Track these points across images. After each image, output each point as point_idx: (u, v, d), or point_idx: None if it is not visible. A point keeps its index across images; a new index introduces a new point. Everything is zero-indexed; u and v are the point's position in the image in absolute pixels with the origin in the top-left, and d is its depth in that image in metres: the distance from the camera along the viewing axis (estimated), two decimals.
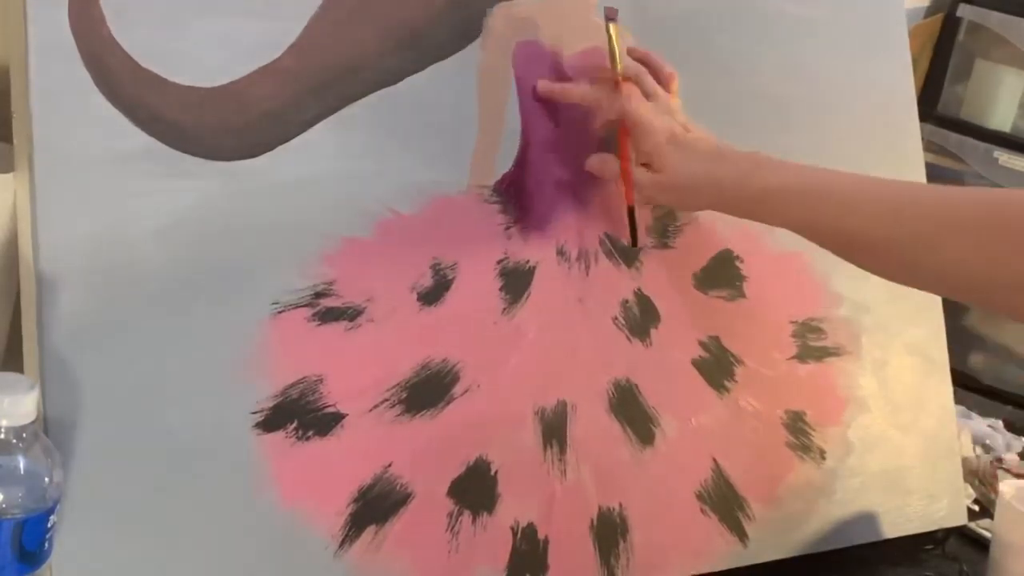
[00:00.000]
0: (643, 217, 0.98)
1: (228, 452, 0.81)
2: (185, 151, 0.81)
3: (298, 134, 0.85)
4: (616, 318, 0.97)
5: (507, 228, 0.93)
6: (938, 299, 1.14)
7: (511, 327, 0.92)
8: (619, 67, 0.92)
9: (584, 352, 0.95)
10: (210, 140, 0.82)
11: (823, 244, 0.88)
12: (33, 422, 0.68)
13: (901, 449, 1.10)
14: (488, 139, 0.93)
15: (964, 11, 1.84)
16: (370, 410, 0.86)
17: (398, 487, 0.86)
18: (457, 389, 0.89)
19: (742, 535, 1.00)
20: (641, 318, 0.98)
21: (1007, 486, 1.07)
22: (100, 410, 0.77)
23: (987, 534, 1.11)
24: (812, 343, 1.06)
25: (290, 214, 0.84)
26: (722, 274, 1.02)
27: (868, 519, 1.08)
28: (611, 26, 0.92)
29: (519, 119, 0.94)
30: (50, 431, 0.75)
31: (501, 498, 0.90)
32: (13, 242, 0.81)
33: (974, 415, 1.37)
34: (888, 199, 0.84)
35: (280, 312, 0.84)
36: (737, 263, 1.03)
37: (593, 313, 0.96)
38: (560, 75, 0.95)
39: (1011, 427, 1.37)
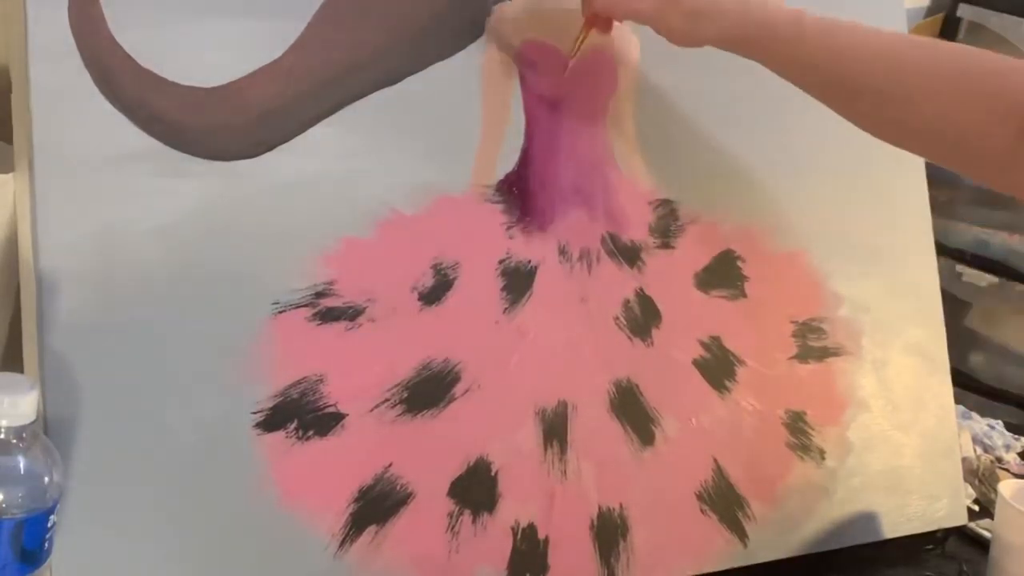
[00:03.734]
0: (644, 215, 0.98)
1: (228, 452, 0.81)
2: (185, 151, 0.81)
3: (299, 134, 0.85)
4: (617, 318, 0.97)
5: (509, 228, 0.93)
6: (938, 299, 1.14)
7: (512, 327, 0.92)
8: None
9: (585, 352, 0.95)
10: (210, 140, 0.82)
11: (811, 86, 0.86)
12: (33, 422, 0.68)
13: (901, 449, 1.10)
14: (490, 139, 0.93)
15: (964, 11, 1.84)
16: (371, 410, 0.86)
17: (398, 487, 0.86)
18: (458, 389, 0.89)
19: (742, 535, 1.00)
20: (642, 318, 0.98)
21: (1007, 486, 1.07)
22: (100, 410, 0.77)
23: (987, 534, 1.11)
24: (812, 343, 1.06)
25: (291, 214, 0.84)
26: (723, 274, 1.02)
27: (868, 519, 1.07)
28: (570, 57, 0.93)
29: (522, 118, 0.94)
30: (50, 431, 0.75)
31: (501, 498, 0.90)
32: (13, 242, 0.81)
33: (974, 415, 1.37)
34: (890, 50, 0.83)
35: (280, 312, 0.84)
36: (738, 263, 1.03)
37: (594, 313, 0.96)
38: (564, 74, 0.95)
39: (1011, 427, 1.37)
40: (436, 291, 0.89)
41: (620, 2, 0.89)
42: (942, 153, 0.85)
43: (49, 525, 0.69)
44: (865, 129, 0.87)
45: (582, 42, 0.93)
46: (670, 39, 0.89)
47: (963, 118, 0.79)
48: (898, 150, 1.14)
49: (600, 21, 0.93)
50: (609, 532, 0.94)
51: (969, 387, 1.73)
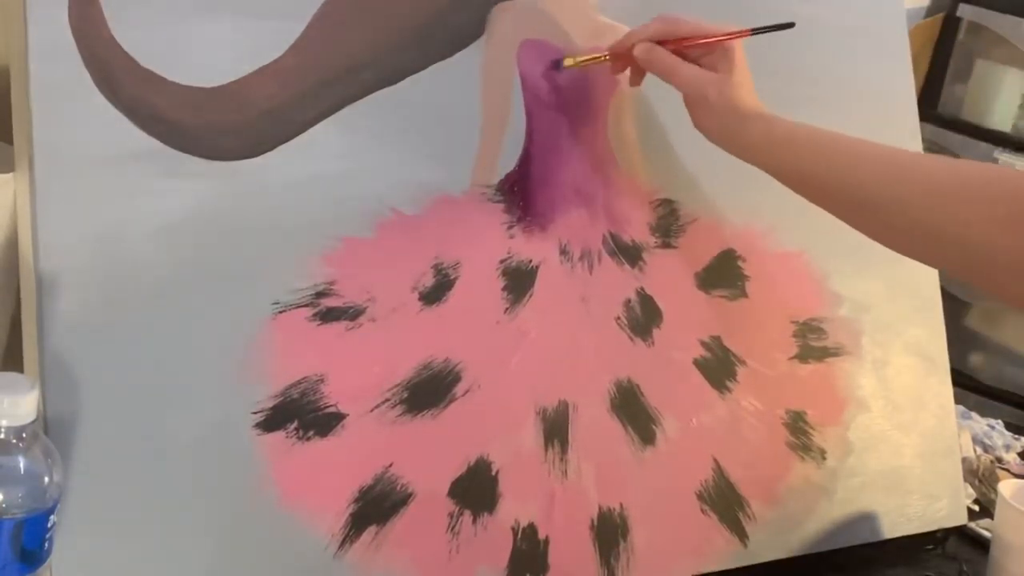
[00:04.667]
0: (645, 215, 0.99)
1: (228, 452, 0.81)
2: (185, 151, 0.81)
3: (299, 133, 0.85)
4: (618, 318, 0.97)
5: (510, 227, 0.93)
6: (938, 299, 1.14)
7: (513, 327, 0.92)
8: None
9: (586, 352, 0.95)
10: (210, 140, 0.82)
11: (827, 200, 0.87)
12: (33, 422, 0.68)
13: (901, 449, 1.10)
14: (491, 138, 0.93)
15: (964, 11, 1.84)
16: (371, 410, 0.86)
17: (399, 487, 0.86)
18: (458, 389, 0.89)
19: (742, 535, 1.00)
20: (643, 318, 0.98)
21: (1007, 486, 1.07)
22: (100, 410, 0.77)
23: (987, 534, 1.11)
24: (813, 343, 1.06)
25: (291, 214, 0.84)
26: (724, 274, 1.02)
27: (868, 519, 1.07)
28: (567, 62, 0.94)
29: (523, 118, 0.94)
30: (50, 431, 0.75)
31: (502, 498, 0.90)
32: (13, 242, 0.81)
33: (974, 415, 1.37)
34: (897, 160, 0.85)
35: (281, 312, 0.84)
36: (739, 263, 1.03)
37: (595, 313, 0.96)
38: (564, 74, 0.95)
39: (1011, 427, 1.37)
40: (437, 291, 0.89)
41: (662, 60, 0.89)
42: (954, 262, 0.83)
43: (49, 525, 0.69)
44: (873, 237, 0.87)
45: (588, 62, 0.93)
46: (696, 116, 0.90)
47: (974, 227, 0.78)
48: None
49: (628, 64, 0.93)
50: (609, 532, 0.94)
51: (969, 387, 1.72)
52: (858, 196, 0.84)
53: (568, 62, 0.94)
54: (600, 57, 0.93)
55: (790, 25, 0.89)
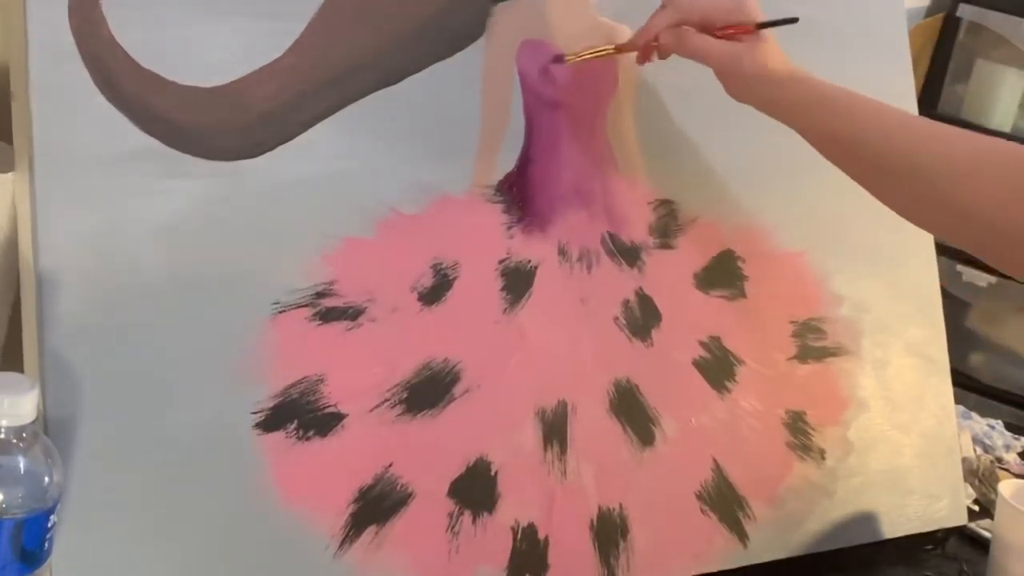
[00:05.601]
0: (644, 215, 0.99)
1: (228, 452, 0.81)
2: (185, 151, 0.81)
3: (299, 134, 0.85)
4: (617, 318, 0.97)
5: (509, 228, 0.93)
6: (938, 299, 1.14)
7: (512, 327, 0.92)
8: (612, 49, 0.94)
9: (585, 352, 0.95)
10: (210, 140, 0.82)
11: (854, 165, 0.88)
12: (33, 422, 0.68)
13: (901, 449, 1.10)
14: (491, 139, 0.93)
15: (964, 11, 1.84)
16: (371, 410, 0.86)
17: (398, 487, 0.86)
18: (458, 389, 0.89)
19: (742, 535, 1.00)
20: (642, 318, 0.98)
21: (1007, 486, 1.07)
22: (100, 410, 0.77)
23: (987, 534, 1.11)
24: (812, 343, 1.06)
25: (291, 214, 0.84)
26: (723, 274, 1.02)
27: (868, 519, 1.08)
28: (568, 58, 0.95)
29: (522, 119, 0.94)
30: (50, 431, 0.75)
31: (501, 498, 0.90)
32: (13, 242, 0.81)
33: (974, 415, 1.37)
34: (929, 131, 0.85)
35: (281, 312, 0.84)
36: (738, 263, 1.03)
37: (594, 313, 0.96)
38: (563, 74, 0.96)
39: (1011, 427, 1.37)
40: (436, 291, 0.89)
41: (690, 42, 0.91)
42: (969, 236, 0.83)
43: (49, 525, 0.69)
44: (899, 210, 0.87)
45: (592, 57, 0.94)
46: (729, 86, 0.91)
47: (987, 199, 0.78)
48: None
49: (647, 56, 0.95)
50: (609, 532, 0.94)
51: (969, 387, 1.73)
52: (883, 163, 0.85)
53: (570, 58, 0.94)
54: (605, 50, 0.94)
55: (794, 20, 0.90)
